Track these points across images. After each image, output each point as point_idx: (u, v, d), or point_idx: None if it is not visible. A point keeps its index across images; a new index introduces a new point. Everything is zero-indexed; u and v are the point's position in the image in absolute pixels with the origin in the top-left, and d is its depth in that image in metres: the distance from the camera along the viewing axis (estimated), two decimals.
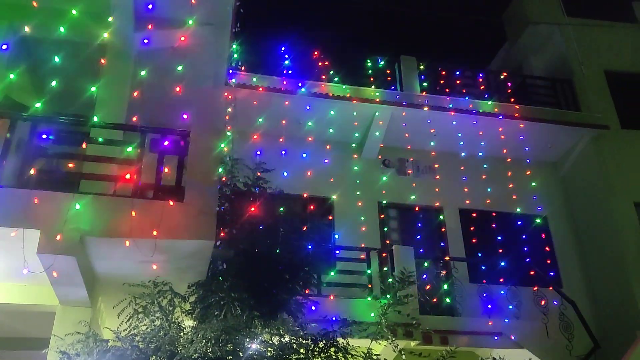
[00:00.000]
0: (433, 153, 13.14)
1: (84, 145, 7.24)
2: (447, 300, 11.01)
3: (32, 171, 6.65)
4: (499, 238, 12.68)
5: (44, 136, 7.03)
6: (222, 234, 7.60)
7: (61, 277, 6.62)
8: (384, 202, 12.48)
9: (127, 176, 6.77)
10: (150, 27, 8.71)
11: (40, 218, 6.29)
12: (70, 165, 6.89)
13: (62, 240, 6.18)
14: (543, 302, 11.02)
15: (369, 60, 13.46)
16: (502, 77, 14.45)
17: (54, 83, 7.88)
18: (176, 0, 8.72)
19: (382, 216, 12.36)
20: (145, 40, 8.80)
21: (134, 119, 7.80)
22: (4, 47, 8.26)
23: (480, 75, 14.46)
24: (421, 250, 11.35)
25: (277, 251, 8.18)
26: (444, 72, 13.83)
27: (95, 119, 7.65)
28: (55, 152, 7.65)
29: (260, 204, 8.35)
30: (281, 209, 9.71)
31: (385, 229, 12.27)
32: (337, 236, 11.78)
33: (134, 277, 6.96)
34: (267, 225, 8.36)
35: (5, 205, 6.33)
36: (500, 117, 12.93)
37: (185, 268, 7.17)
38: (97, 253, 6.73)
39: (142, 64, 8.93)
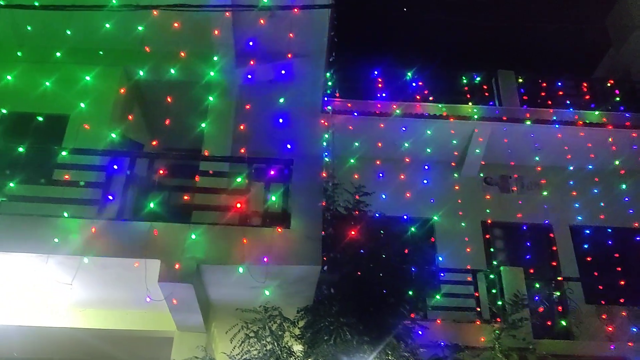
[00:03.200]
0: (538, 168, 12.59)
1: (196, 178, 7.63)
2: (563, 322, 10.40)
3: (151, 204, 7.09)
4: (617, 255, 11.85)
5: (160, 171, 7.49)
6: (326, 259, 7.71)
7: (179, 304, 6.99)
8: (488, 221, 12.10)
9: (238, 205, 7.06)
10: (251, 62, 9.13)
11: (160, 248, 6.71)
12: (186, 197, 7.29)
13: (181, 269, 6.56)
14: None
15: (464, 77, 13.25)
16: (609, 84, 13.65)
17: (167, 122, 8.41)
18: (275, 35, 9.07)
19: (487, 236, 11.97)
20: (249, 76, 9.24)
21: (242, 150, 8.14)
22: (122, 91, 8.99)
23: (585, 84, 13.76)
24: (531, 270, 10.83)
25: (380, 275, 8.18)
26: (544, 84, 13.32)
27: (205, 152, 8.08)
28: (169, 186, 8.14)
29: (361, 227, 8.41)
30: (382, 231, 9.67)
31: (491, 249, 11.84)
32: (440, 258, 11.54)
33: (245, 303, 7.20)
34: (369, 248, 8.39)
35: (128, 238, 6.83)
36: (610, 127, 12.20)
37: (293, 293, 7.34)
38: (212, 280, 7.06)
39: (245, 98, 9.39)
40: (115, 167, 7.45)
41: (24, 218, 6.93)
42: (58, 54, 9.04)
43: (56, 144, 8.54)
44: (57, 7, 7.25)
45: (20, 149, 7.45)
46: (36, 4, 8.14)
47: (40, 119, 8.73)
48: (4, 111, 8.83)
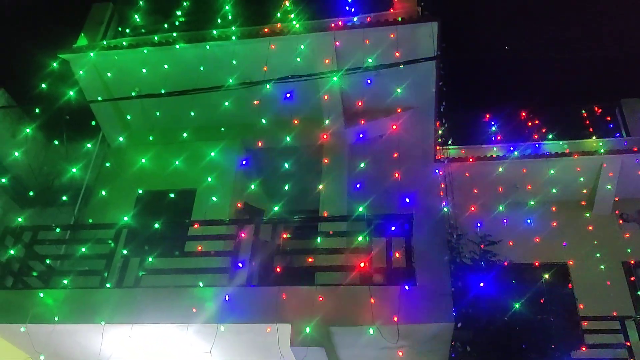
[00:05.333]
0: None
1: (318, 240, 7.75)
2: None
3: (277, 269, 7.27)
4: None
5: (284, 235, 7.70)
6: (457, 314, 7.41)
7: None
8: (631, 261, 11.04)
9: (362, 264, 7.03)
10: (362, 121, 9.31)
11: (290, 312, 6.81)
12: (310, 259, 7.40)
13: (311, 332, 6.58)
14: None
15: (584, 110, 12.56)
16: None
17: (285, 187, 8.72)
18: (382, 92, 9.23)
19: (632, 278, 10.90)
20: (361, 135, 9.41)
21: (360, 209, 8.19)
22: (244, 162, 9.50)
23: None
24: None
25: (517, 328, 7.71)
26: None
27: (324, 213, 8.22)
28: (292, 249, 8.31)
29: (490, 278, 8.05)
30: (513, 280, 9.18)
31: (639, 293, 10.77)
32: (581, 306, 10.66)
33: None
34: (501, 300, 7.97)
35: (259, 303, 7.02)
36: None
37: (427, 352, 7.09)
38: (343, 342, 7.00)
39: (358, 156, 9.53)
40: (243, 235, 7.77)
41: (163, 290, 7.40)
42: (185, 134, 9.81)
43: (186, 217, 9.13)
44: (181, 92, 7.88)
45: (156, 225, 8.00)
46: (162, 91, 8.92)
47: (171, 195, 9.39)
48: (140, 191, 9.62)
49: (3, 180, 9.84)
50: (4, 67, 12.42)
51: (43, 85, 9.49)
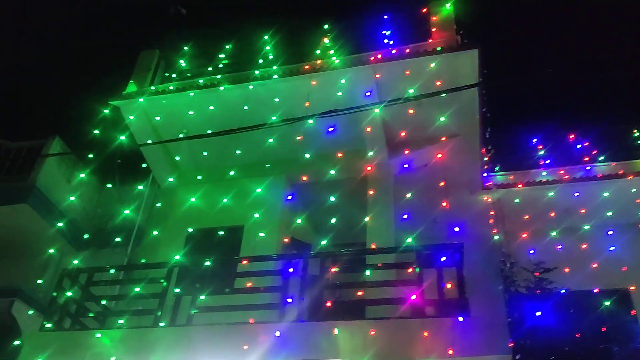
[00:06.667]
0: None
1: (367, 272, 7.68)
2: None
3: (327, 303, 7.22)
4: None
5: (332, 269, 7.66)
6: (514, 346, 7.17)
7: None
8: None
9: (414, 297, 6.91)
10: (406, 151, 9.29)
11: (342, 348, 6.72)
12: (360, 293, 7.33)
13: None
14: None
15: (635, 130, 12.15)
16: None
17: (332, 220, 8.71)
18: (425, 121, 9.21)
19: None
20: (405, 165, 9.38)
21: (408, 239, 8.10)
22: (289, 197, 9.58)
23: None
24: None
25: (578, 359, 7.39)
26: None
27: (372, 245, 8.16)
28: (341, 283, 8.25)
29: (547, 307, 7.78)
30: (571, 309, 8.84)
31: None
32: None
33: None
34: (560, 329, 7.68)
35: (309, 339, 6.96)
36: None
37: None
38: None
39: (403, 186, 9.48)
40: (291, 269, 7.78)
41: (215, 327, 7.43)
42: (231, 172, 10.00)
43: (235, 254, 9.20)
44: (227, 132, 8.03)
45: (207, 263, 8.10)
46: (209, 131, 9.13)
47: (220, 232, 9.52)
48: (190, 230, 9.79)
49: (60, 224, 10.19)
50: (58, 116, 13.06)
51: (95, 132, 9.89)
